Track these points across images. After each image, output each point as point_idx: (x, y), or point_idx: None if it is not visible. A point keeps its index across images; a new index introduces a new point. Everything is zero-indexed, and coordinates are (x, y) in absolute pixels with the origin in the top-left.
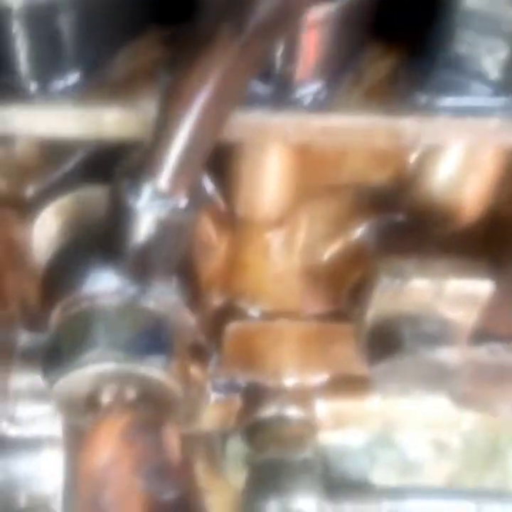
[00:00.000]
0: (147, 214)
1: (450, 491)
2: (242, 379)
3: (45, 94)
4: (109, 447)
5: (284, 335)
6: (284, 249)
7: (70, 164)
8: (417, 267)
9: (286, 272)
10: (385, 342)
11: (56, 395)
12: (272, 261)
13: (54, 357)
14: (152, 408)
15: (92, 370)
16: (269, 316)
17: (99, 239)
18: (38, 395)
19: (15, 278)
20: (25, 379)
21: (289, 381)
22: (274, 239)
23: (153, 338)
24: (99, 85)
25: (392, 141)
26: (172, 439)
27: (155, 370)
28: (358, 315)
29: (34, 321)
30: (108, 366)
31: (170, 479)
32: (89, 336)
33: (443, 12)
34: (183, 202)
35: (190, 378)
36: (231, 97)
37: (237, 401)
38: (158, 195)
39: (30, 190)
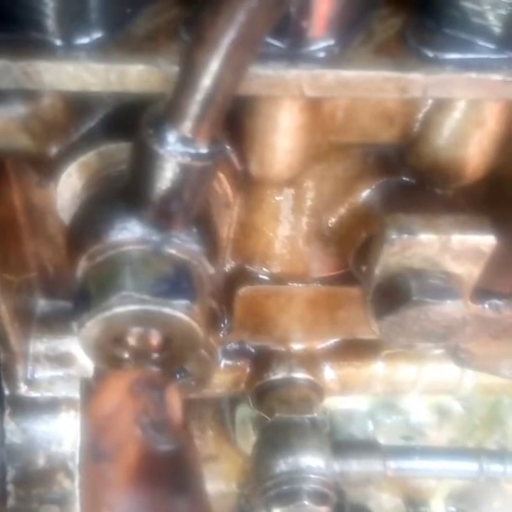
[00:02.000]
0: (171, 159)
1: (454, 451)
2: (252, 344)
3: (71, 49)
4: (114, 398)
5: (293, 299)
6: (294, 211)
7: (91, 122)
8: (423, 222)
9: (295, 234)
10: (393, 296)
11: (85, 338)
12: (281, 223)
13: (82, 302)
14: (175, 350)
15: (119, 312)
16: (278, 280)
17: (122, 191)
18: (55, 359)
19: (34, 244)
20: (43, 343)
21: (297, 345)
22: (284, 201)
23: (176, 282)
24: (122, 42)
25: (401, 94)
26: (174, 399)
27: (179, 312)
28: (366, 272)
29: (52, 287)
30: (133, 308)
31: (167, 434)
32: (115, 280)
33: None
34: (205, 148)
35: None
36: (253, 44)
37: (247, 366)
38: (181, 140)
39: (54, 148)
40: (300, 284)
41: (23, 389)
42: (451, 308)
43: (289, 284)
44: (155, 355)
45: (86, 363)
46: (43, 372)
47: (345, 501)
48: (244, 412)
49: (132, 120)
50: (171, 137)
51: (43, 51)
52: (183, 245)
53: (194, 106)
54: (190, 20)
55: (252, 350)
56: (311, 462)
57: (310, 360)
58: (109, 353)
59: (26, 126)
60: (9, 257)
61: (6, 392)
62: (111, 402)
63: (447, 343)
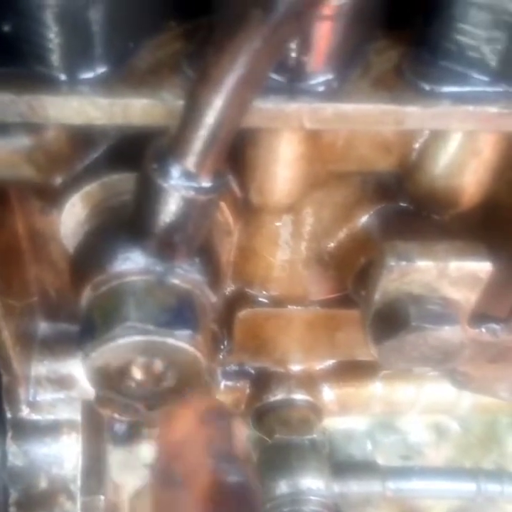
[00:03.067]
0: (175, 193)
1: (451, 472)
2: (251, 365)
3: (75, 84)
4: (187, 425)
5: (292, 321)
6: (293, 236)
7: (95, 153)
8: (420, 249)
9: (294, 258)
10: (392, 321)
11: (90, 367)
12: (281, 248)
13: (88, 332)
14: (178, 379)
15: (123, 342)
16: (277, 303)
17: (125, 221)
18: (57, 381)
19: (36, 269)
20: (44, 366)
21: (296, 367)
22: (283, 227)
23: (180, 312)
24: (126, 76)
25: (398, 126)
26: (240, 430)
27: (182, 342)
28: (365, 297)
29: (53, 310)
30: (138, 339)
31: (235, 464)
32: (119, 311)
33: (444, 4)
34: (208, 182)
35: (212, 353)
36: (257, 82)
37: (246, 387)
38: (185, 175)
39: (58, 179)
40: (299, 307)
41: (25, 412)
42: (450, 333)
43: (289, 306)
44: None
45: (87, 386)
46: (45, 395)
47: None
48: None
49: (135, 152)
50: (175, 172)
51: (47, 86)
52: (186, 275)
53: (198, 142)
54: (192, 55)
55: (252, 372)
56: (311, 484)
57: (309, 381)
58: (114, 381)
59: (30, 157)
60: (12, 282)
61: (8, 415)
62: (183, 429)
63: (445, 367)
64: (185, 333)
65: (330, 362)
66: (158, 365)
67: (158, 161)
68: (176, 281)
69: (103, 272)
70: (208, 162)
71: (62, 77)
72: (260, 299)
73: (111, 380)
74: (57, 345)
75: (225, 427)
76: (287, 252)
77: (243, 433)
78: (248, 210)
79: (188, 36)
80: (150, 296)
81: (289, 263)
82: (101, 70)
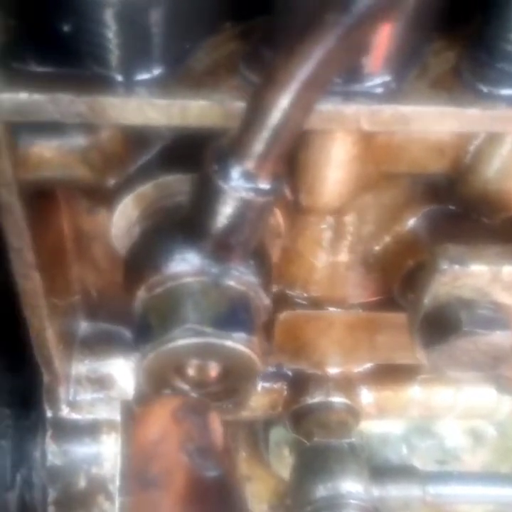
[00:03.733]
0: (234, 195)
1: (491, 476)
2: (289, 367)
3: (132, 85)
4: (159, 424)
5: (332, 323)
6: (338, 238)
7: (148, 154)
8: (473, 253)
9: (337, 261)
10: (442, 326)
11: (146, 369)
12: (325, 250)
13: (144, 333)
14: (232, 381)
15: (181, 344)
16: (318, 305)
17: (181, 222)
18: (96, 381)
19: (79, 268)
20: (84, 365)
21: (334, 369)
22: (329, 229)
23: (236, 314)
24: (183, 78)
25: (457, 128)
26: (216, 424)
27: (239, 344)
28: (413, 301)
29: (94, 309)
30: (196, 341)
31: (213, 459)
32: (177, 312)
33: (501, 5)
34: (267, 184)
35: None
36: (324, 85)
37: (284, 389)
38: (245, 176)
39: (111, 180)
40: (340, 309)
41: (64, 411)
42: (501, 338)
43: (330, 309)
44: (212, 387)
45: (126, 386)
46: (85, 395)
47: None
48: (279, 434)
49: (188, 153)
50: (235, 173)
51: (106, 87)
52: (241, 277)
53: (260, 143)
54: (249, 56)
55: (289, 373)
56: (351, 487)
57: (347, 384)
58: (167, 383)
59: (85, 158)
60: (56, 281)
61: (48, 414)
62: (156, 429)
63: (494, 372)
64: (242, 335)
65: (368, 365)
66: (214, 366)
67: (219, 162)
68: (231, 283)
69: (158, 273)
70: (268, 164)
71: (120, 78)
72: (301, 301)
73: (164, 382)
74: (98, 345)
75: (201, 423)
76: (331, 254)
77: (220, 426)
78: (295, 212)
79: (244, 37)
80: (206, 298)
81: (332, 265)
82: (157, 71)
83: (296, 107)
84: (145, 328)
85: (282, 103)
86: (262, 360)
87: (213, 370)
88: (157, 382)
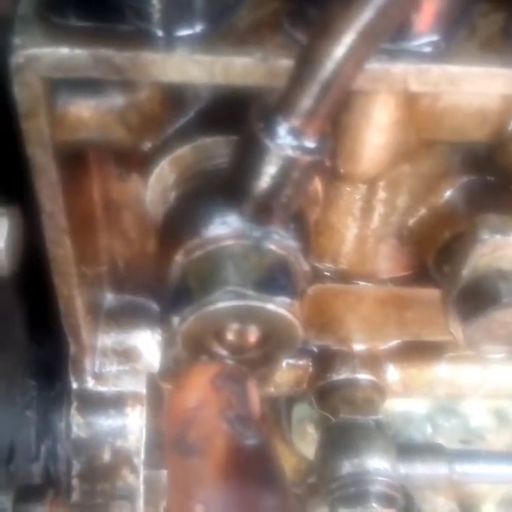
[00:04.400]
0: (281, 153)
1: None
2: (314, 343)
3: (174, 41)
4: (198, 391)
5: (361, 298)
6: (372, 209)
7: (186, 116)
8: None
9: (370, 233)
10: (479, 298)
11: (185, 332)
12: (357, 221)
13: (183, 297)
14: (271, 347)
15: (222, 307)
16: (348, 279)
17: (220, 185)
18: (122, 353)
19: (107, 238)
20: (110, 338)
21: (360, 346)
22: (362, 199)
23: (277, 278)
24: (226, 35)
25: (506, 90)
26: (254, 392)
27: (282, 308)
28: (449, 273)
29: (120, 281)
30: (237, 304)
31: (252, 428)
32: (218, 275)
33: None
34: (314, 143)
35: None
36: (379, 39)
37: (309, 365)
38: (293, 134)
39: (148, 142)
40: (371, 284)
41: (90, 383)
42: None
43: (359, 283)
44: (250, 353)
45: (152, 359)
46: (110, 367)
47: (414, 505)
48: (302, 411)
49: (227, 115)
50: (282, 130)
51: (147, 42)
52: (281, 241)
53: (310, 99)
54: (293, 14)
55: (315, 350)
56: (378, 464)
57: (373, 361)
58: (206, 347)
59: (123, 118)
60: (86, 249)
61: (74, 385)
62: (194, 396)
63: None
64: (285, 299)
65: (395, 342)
66: (254, 331)
67: (265, 119)
68: (272, 246)
69: (198, 236)
70: (317, 121)
71: (160, 33)
72: (330, 275)
73: (202, 347)
74: (123, 317)
75: (239, 391)
76: (364, 225)
77: (257, 395)
78: (331, 180)
79: None
80: (247, 261)
81: (364, 238)
82: (200, 27)
83: (350, 59)
84: (184, 292)
85: (336, 54)
86: (303, 326)
87: (253, 335)
88: (195, 347)
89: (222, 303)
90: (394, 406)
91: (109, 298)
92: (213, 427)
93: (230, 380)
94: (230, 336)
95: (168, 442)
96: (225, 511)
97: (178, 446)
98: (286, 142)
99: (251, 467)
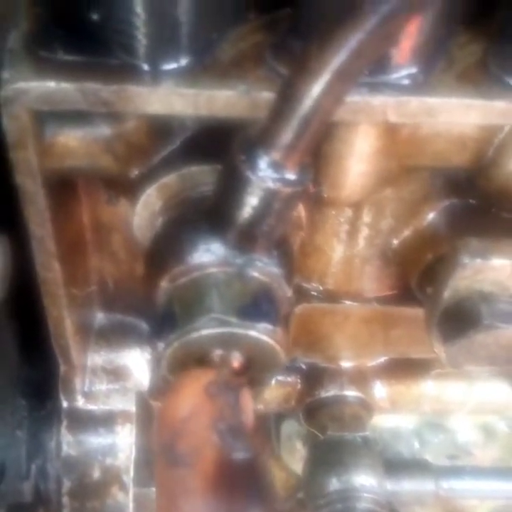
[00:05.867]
0: (261, 185)
1: (504, 472)
2: (303, 361)
3: (159, 74)
4: (191, 399)
5: (348, 317)
6: (357, 232)
7: (172, 145)
8: (495, 246)
9: (355, 254)
10: (461, 320)
11: (169, 358)
12: (343, 243)
13: (168, 322)
14: (256, 371)
15: (206, 334)
16: (334, 299)
17: (205, 213)
18: (112, 372)
19: (97, 259)
20: (100, 356)
21: (348, 363)
22: (348, 222)
23: (260, 305)
24: (209, 68)
25: (483, 121)
26: (248, 403)
27: (264, 335)
28: (432, 295)
29: (110, 301)
30: (221, 331)
31: (242, 440)
32: (202, 302)
33: None
34: (294, 175)
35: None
36: (356, 75)
37: (297, 382)
38: (273, 167)
39: (135, 170)
40: (357, 303)
41: (80, 402)
42: None
43: (346, 302)
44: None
45: (141, 377)
46: (100, 385)
47: None
48: (290, 427)
49: (213, 144)
50: (263, 163)
51: (133, 76)
52: (264, 268)
53: (289, 133)
54: (276, 46)
55: (303, 367)
56: (365, 481)
57: (361, 378)
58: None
59: (110, 147)
60: (76, 271)
61: (64, 404)
62: (187, 404)
63: (510, 368)
64: (267, 326)
65: (382, 359)
66: (237, 357)
67: (246, 152)
68: (255, 273)
69: (183, 263)
70: (297, 154)
71: (147, 67)
72: (317, 295)
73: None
74: (113, 336)
75: (233, 401)
76: (348, 247)
77: (251, 406)
78: (315, 205)
79: (270, 28)
80: (230, 288)
81: (349, 258)
82: (184, 61)
83: (327, 96)
84: (169, 318)
85: (314, 92)
86: (286, 351)
87: (236, 361)
88: (179, 373)
89: (206, 330)
90: (382, 422)
91: (99, 317)
92: (203, 439)
93: (224, 390)
94: (214, 363)
95: (158, 451)
96: None
97: (167, 456)
98: (267, 175)
99: (239, 481)
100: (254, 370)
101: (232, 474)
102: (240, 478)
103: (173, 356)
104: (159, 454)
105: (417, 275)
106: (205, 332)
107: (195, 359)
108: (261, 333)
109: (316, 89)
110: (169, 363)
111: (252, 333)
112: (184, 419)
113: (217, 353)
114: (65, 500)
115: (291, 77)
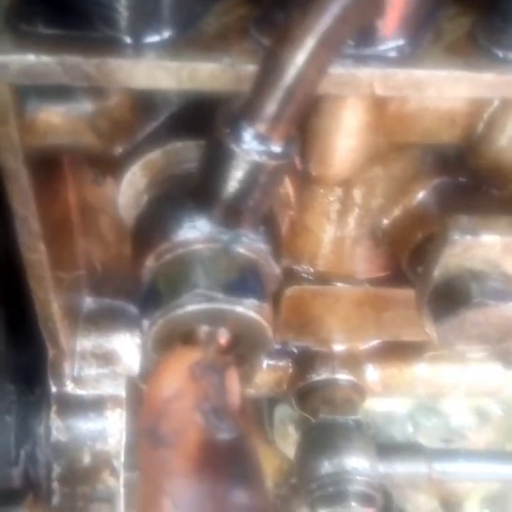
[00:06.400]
0: (246, 158)
1: (497, 454)
2: (294, 344)
3: (141, 47)
4: (175, 380)
5: (339, 299)
6: (346, 211)
7: (156, 121)
8: (485, 223)
9: (345, 235)
10: (452, 298)
11: (154, 336)
12: (332, 223)
13: (153, 300)
14: (243, 349)
15: (191, 310)
16: (325, 280)
17: (190, 189)
18: (101, 357)
19: (84, 242)
20: (89, 341)
21: (339, 346)
22: (337, 201)
23: (246, 281)
24: (193, 41)
25: (471, 94)
26: (235, 383)
27: (251, 311)
28: (422, 274)
29: (98, 285)
30: (206, 307)
31: (228, 421)
32: (187, 278)
33: None
34: (280, 147)
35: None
36: (340, 43)
37: (289, 366)
38: (258, 139)
39: (119, 147)
40: (348, 285)
41: (69, 386)
42: (511, 310)
43: (337, 284)
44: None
45: (131, 361)
46: (89, 370)
47: (393, 503)
48: (283, 412)
49: (197, 120)
50: (248, 135)
51: (115, 49)
52: (251, 244)
53: (274, 104)
54: (260, 19)
55: (295, 351)
56: (357, 464)
57: (352, 361)
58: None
59: (93, 124)
60: (62, 254)
61: (53, 389)
62: (171, 385)
63: (502, 346)
64: (254, 302)
65: (374, 342)
66: (223, 334)
67: (231, 124)
68: (241, 249)
69: (168, 240)
70: (281, 126)
71: (127, 40)
72: (307, 276)
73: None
74: (102, 321)
75: (219, 381)
76: (339, 227)
77: (237, 387)
78: (304, 183)
79: (254, 1)
80: (216, 264)
81: (340, 239)
82: (167, 33)
83: (311, 64)
84: (154, 296)
85: (298, 60)
86: (272, 328)
87: (222, 337)
88: (164, 351)
89: (192, 306)
90: (375, 406)
91: (88, 301)
92: (187, 420)
93: (209, 370)
94: (200, 341)
95: (141, 431)
96: (192, 505)
97: (150, 437)
98: (251, 147)
99: (223, 462)
100: (241, 347)
101: (216, 455)
102: (225, 459)
103: (159, 334)
104: (142, 436)
105: (408, 255)
106: (190, 308)
107: (181, 337)
108: (248, 308)
109: (299, 57)
110: (154, 341)
111: (239, 308)
112: (168, 400)
113: (203, 329)
114: (55, 485)
115: (273, 46)
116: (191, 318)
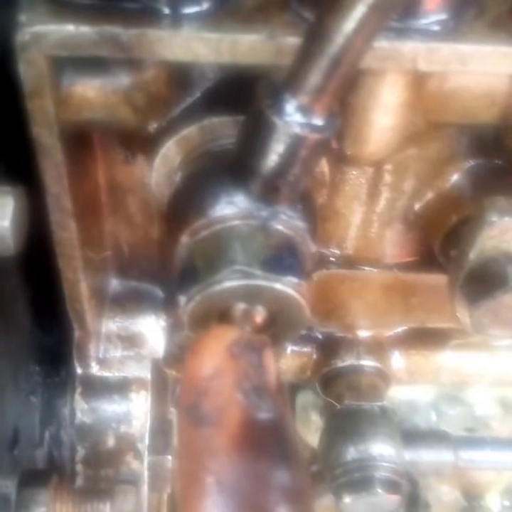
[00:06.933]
0: (289, 130)
1: None
2: (319, 330)
3: (180, 19)
4: (214, 359)
5: (367, 284)
6: (378, 194)
7: (192, 96)
8: None
9: (376, 218)
10: (487, 281)
11: (191, 312)
12: (363, 207)
13: (190, 276)
14: (279, 328)
15: (229, 286)
16: (353, 265)
17: (227, 165)
18: (127, 339)
19: (112, 222)
20: (115, 323)
21: (364, 333)
22: (369, 183)
23: (285, 259)
24: (233, 13)
25: None
26: (272, 362)
27: (290, 288)
28: (456, 257)
29: (125, 267)
30: (244, 283)
31: (268, 400)
32: (225, 254)
33: None
34: (322, 121)
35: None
36: (390, 11)
37: (313, 352)
38: (301, 111)
39: (154, 122)
40: (377, 270)
41: (94, 368)
42: None
43: (365, 269)
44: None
45: (157, 344)
46: (115, 352)
47: (419, 492)
48: (305, 398)
49: (234, 94)
50: (291, 108)
51: (153, 20)
52: (289, 221)
53: (318, 75)
54: None
55: (319, 337)
56: (383, 450)
57: (378, 348)
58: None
59: (129, 98)
60: (91, 233)
61: (78, 371)
62: (210, 363)
63: None
64: (292, 279)
65: (400, 329)
66: (260, 312)
67: (273, 96)
68: (279, 226)
69: (204, 216)
70: (325, 98)
71: (167, 10)
72: (335, 260)
73: (208, 327)
74: (128, 303)
75: (257, 360)
76: (370, 210)
77: (275, 366)
78: (337, 163)
79: None
80: (254, 241)
81: (370, 223)
82: (207, 5)
83: (360, 34)
84: (190, 272)
85: (346, 29)
86: (310, 307)
87: (259, 315)
88: (200, 329)
89: (229, 282)
90: (398, 394)
91: (114, 283)
92: (228, 398)
93: (247, 349)
94: (236, 318)
95: (181, 409)
96: (236, 483)
97: (192, 415)
98: (294, 120)
99: (264, 440)
100: (277, 326)
101: (257, 434)
102: (266, 437)
103: (195, 311)
104: (182, 414)
105: (441, 238)
106: (228, 284)
107: (218, 314)
108: (286, 286)
109: (348, 25)
110: (191, 318)
111: (277, 285)
112: (208, 378)
113: (240, 307)
114: (79, 467)
115: (321, 14)
116: (229, 294)
